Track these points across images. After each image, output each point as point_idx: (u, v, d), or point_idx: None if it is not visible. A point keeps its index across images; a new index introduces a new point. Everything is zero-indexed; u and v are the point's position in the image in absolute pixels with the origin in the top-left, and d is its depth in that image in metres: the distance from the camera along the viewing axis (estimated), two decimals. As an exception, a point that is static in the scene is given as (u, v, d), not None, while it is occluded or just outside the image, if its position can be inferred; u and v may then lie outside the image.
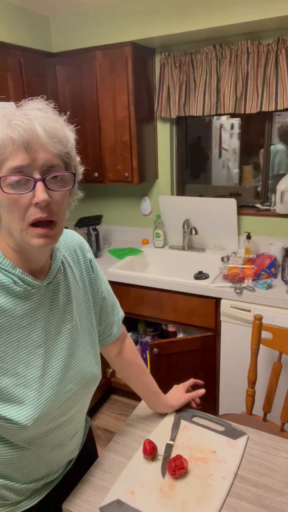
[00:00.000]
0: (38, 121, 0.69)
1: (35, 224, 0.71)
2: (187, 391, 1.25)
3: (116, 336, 1.08)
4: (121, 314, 1.11)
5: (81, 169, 0.80)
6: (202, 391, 1.25)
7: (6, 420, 0.77)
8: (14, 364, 0.78)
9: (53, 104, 0.76)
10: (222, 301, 2.05)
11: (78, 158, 0.79)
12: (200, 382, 1.28)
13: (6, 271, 0.76)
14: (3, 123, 0.69)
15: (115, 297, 1.10)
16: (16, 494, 0.90)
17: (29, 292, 0.79)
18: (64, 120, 0.76)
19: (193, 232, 2.53)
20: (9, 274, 0.76)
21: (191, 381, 1.27)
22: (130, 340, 1.16)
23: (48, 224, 0.72)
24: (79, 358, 0.90)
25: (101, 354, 1.10)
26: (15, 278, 0.76)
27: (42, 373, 0.81)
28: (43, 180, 0.69)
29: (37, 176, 0.69)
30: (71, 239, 0.95)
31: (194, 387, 1.28)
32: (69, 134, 0.75)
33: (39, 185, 0.69)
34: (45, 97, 0.76)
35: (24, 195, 0.69)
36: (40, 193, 0.69)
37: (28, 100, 0.75)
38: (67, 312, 0.87)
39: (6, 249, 0.77)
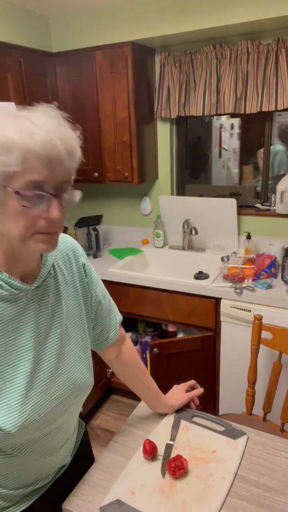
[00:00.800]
0: (59, 137, 0.68)
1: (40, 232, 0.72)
2: (187, 391, 1.25)
3: (112, 340, 1.07)
4: (118, 318, 1.10)
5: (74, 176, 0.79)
6: (201, 390, 1.25)
7: None
8: (1, 368, 0.77)
9: (66, 115, 0.74)
10: (222, 301, 2.05)
11: None
12: (200, 390, 1.27)
13: None
14: (25, 134, 0.65)
15: (112, 300, 1.08)
16: (3, 500, 0.89)
17: (16, 296, 0.78)
18: (78, 136, 0.74)
19: (193, 232, 2.53)
20: None
21: (192, 382, 1.27)
22: (129, 342, 1.15)
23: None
24: (69, 364, 0.89)
25: (99, 357, 1.10)
26: (1, 282, 0.76)
27: (30, 378, 0.80)
28: (58, 197, 0.70)
29: (52, 191, 0.69)
30: (64, 243, 0.94)
31: (194, 389, 1.28)
32: (79, 150, 0.75)
33: (55, 202, 0.69)
34: (57, 104, 0.74)
35: (36, 208, 0.69)
36: (55, 210, 0.69)
37: (40, 105, 0.72)
38: (56, 316, 0.86)
39: None
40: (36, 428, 0.82)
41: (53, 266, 0.87)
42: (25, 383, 0.79)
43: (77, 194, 0.74)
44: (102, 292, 1.03)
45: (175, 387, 1.26)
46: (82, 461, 1.09)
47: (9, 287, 0.76)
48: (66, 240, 0.96)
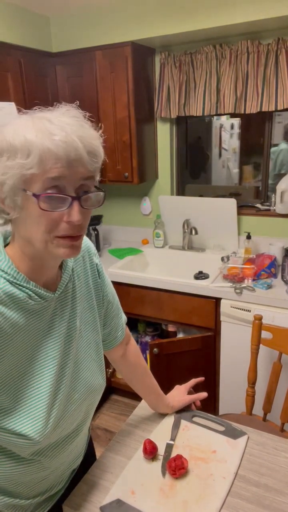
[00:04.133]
0: (79, 138, 0.66)
1: (62, 236, 0.70)
2: (189, 392, 1.25)
3: (120, 339, 1.07)
4: (124, 317, 1.10)
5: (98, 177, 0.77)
6: (204, 394, 1.24)
7: (18, 436, 0.75)
8: (28, 378, 0.76)
9: (87, 114, 0.73)
10: (222, 301, 2.05)
11: None
12: (201, 379, 1.28)
13: (20, 285, 0.73)
14: (44, 135, 0.64)
15: (118, 300, 1.08)
16: (21, 510, 0.89)
17: (42, 306, 0.78)
18: (101, 135, 0.73)
19: (193, 232, 2.53)
20: (23, 289, 0.73)
21: (193, 381, 1.27)
22: (134, 342, 1.16)
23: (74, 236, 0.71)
24: (84, 367, 0.89)
25: (104, 357, 1.10)
26: (30, 292, 0.74)
27: (55, 386, 0.80)
28: (78, 199, 0.68)
29: (72, 192, 0.68)
30: None
31: (195, 387, 1.28)
32: (101, 149, 0.73)
33: (76, 204, 0.68)
34: (78, 103, 0.73)
35: (57, 212, 0.68)
36: (76, 213, 0.68)
37: (62, 106, 0.72)
38: (72, 321, 0.86)
39: (21, 258, 0.75)
40: (59, 433, 0.82)
41: (72, 269, 0.87)
42: (50, 391, 0.79)
43: (100, 196, 0.73)
44: (112, 291, 1.03)
45: (176, 387, 1.26)
46: (89, 465, 1.09)
47: (37, 297, 0.75)
48: None
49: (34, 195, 0.66)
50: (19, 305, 0.73)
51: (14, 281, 0.72)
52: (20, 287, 0.73)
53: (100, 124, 0.75)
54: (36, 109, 0.71)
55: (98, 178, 0.76)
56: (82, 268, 0.92)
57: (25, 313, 0.74)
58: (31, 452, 0.80)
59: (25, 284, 0.73)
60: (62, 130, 0.65)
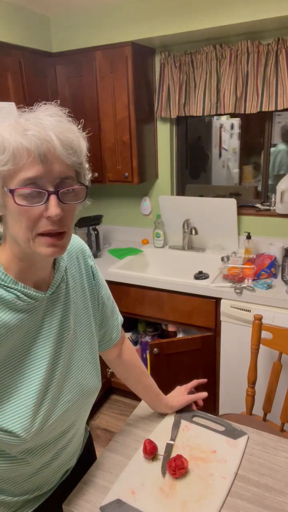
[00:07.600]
0: (54, 131, 0.66)
1: (43, 233, 0.70)
2: (190, 393, 1.25)
3: (115, 340, 1.07)
4: (120, 319, 1.10)
5: (89, 175, 0.78)
6: (204, 394, 1.24)
7: (5, 433, 0.75)
8: (18, 377, 0.77)
9: (67, 110, 0.74)
10: (222, 301, 2.05)
11: (87, 165, 0.77)
12: (203, 381, 1.27)
13: (8, 287, 0.73)
14: (18, 132, 0.65)
15: (114, 302, 1.09)
16: (6, 507, 0.89)
17: (33, 305, 0.78)
18: (79, 128, 0.74)
19: (193, 232, 2.53)
20: (11, 290, 0.74)
21: (194, 382, 1.27)
22: (128, 342, 1.16)
23: (57, 234, 0.71)
24: (77, 368, 0.89)
25: (101, 359, 1.10)
26: (18, 293, 0.74)
27: (44, 386, 0.80)
28: (56, 193, 0.68)
29: (50, 188, 0.67)
30: (72, 245, 0.93)
31: (197, 389, 1.27)
32: (83, 143, 0.73)
33: (53, 198, 0.67)
34: (58, 102, 0.74)
35: (35, 207, 0.67)
36: (54, 207, 0.67)
37: (41, 105, 0.72)
38: (65, 321, 0.86)
39: (10, 258, 0.75)
40: (48, 433, 0.82)
41: (65, 269, 0.87)
42: (39, 390, 0.79)
43: (81, 191, 0.73)
44: (107, 293, 1.03)
45: (177, 388, 1.26)
46: (85, 465, 1.08)
47: (26, 298, 0.75)
48: (74, 242, 0.94)
49: (9, 190, 0.66)
50: (8, 306, 0.73)
51: (2, 283, 0.73)
52: (8, 289, 0.73)
53: (81, 120, 0.76)
54: (21, 112, 0.71)
55: (88, 177, 0.76)
56: (77, 269, 0.92)
57: (15, 313, 0.75)
58: (19, 450, 0.80)
59: (12, 286, 0.74)
60: (36, 125, 0.66)
